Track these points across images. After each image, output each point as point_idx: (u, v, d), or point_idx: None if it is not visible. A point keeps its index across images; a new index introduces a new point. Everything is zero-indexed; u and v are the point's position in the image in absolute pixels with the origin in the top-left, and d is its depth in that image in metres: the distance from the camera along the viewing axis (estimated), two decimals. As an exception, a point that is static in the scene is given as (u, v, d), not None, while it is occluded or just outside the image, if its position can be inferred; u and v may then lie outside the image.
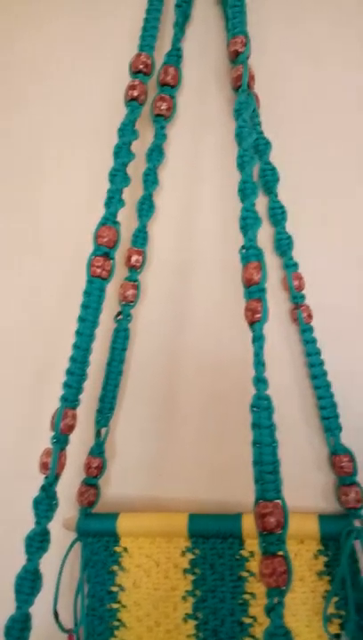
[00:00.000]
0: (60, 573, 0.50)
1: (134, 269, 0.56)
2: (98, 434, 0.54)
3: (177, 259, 0.58)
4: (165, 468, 0.54)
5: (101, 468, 0.53)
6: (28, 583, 0.40)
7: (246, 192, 0.44)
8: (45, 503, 0.41)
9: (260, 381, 0.39)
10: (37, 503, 0.41)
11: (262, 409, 0.39)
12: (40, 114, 0.64)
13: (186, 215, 0.58)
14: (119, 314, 0.56)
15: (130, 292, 0.56)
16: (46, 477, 0.42)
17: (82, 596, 0.51)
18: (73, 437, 0.44)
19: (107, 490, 0.54)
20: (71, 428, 0.43)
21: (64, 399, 0.44)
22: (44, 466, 0.42)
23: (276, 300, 0.54)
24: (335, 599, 0.46)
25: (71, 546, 0.51)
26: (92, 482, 0.53)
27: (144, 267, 0.57)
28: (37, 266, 0.60)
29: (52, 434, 0.43)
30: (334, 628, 0.46)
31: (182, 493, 0.53)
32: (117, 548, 0.50)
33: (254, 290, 0.41)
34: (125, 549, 0.50)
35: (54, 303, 0.59)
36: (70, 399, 0.44)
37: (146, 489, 0.54)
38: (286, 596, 0.35)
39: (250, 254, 0.42)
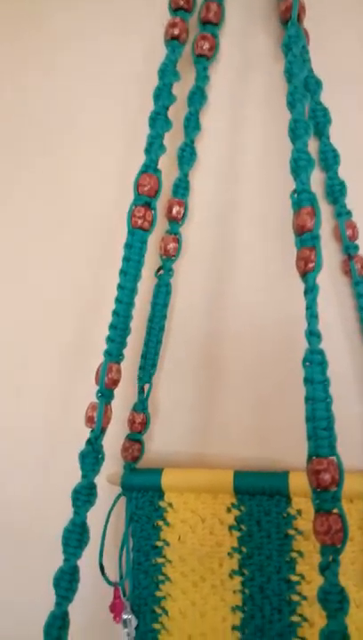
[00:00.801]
0: (106, 527, 0.50)
1: (176, 222, 0.54)
2: (141, 390, 0.53)
3: (219, 210, 0.55)
4: (209, 424, 0.53)
5: (145, 424, 0.52)
6: (76, 536, 0.40)
7: (297, 132, 0.40)
8: (92, 456, 0.41)
9: (313, 335, 0.37)
10: (84, 457, 0.41)
11: (315, 363, 0.37)
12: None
13: (229, 163, 0.55)
14: (160, 269, 0.54)
15: (171, 246, 0.54)
16: (92, 431, 0.41)
17: (127, 550, 0.51)
18: (116, 394, 0.43)
19: (150, 445, 0.54)
20: (116, 382, 0.42)
21: (108, 353, 0.43)
22: (89, 420, 0.42)
23: (326, 250, 0.50)
24: (385, 559, 0.45)
25: (116, 500, 0.51)
26: (136, 437, 0.52)
27: (186, 219, 0.54)
28: (80, 222, 0.59)
29: (98, 388, 0.42)
30: (383, 589, 0.45)
31: (226, 450, 0.52)
32: (162, 503, 0.50)
33: (306, 237, 0.38)
34: (170, 504, 0.50)
35: (95, 261, 0.58)
36: (114, 353, 0.43)
37: (189, 445, 0.53)
38: (341, 554, 0.34)
39: (303, 199, 0.39)
